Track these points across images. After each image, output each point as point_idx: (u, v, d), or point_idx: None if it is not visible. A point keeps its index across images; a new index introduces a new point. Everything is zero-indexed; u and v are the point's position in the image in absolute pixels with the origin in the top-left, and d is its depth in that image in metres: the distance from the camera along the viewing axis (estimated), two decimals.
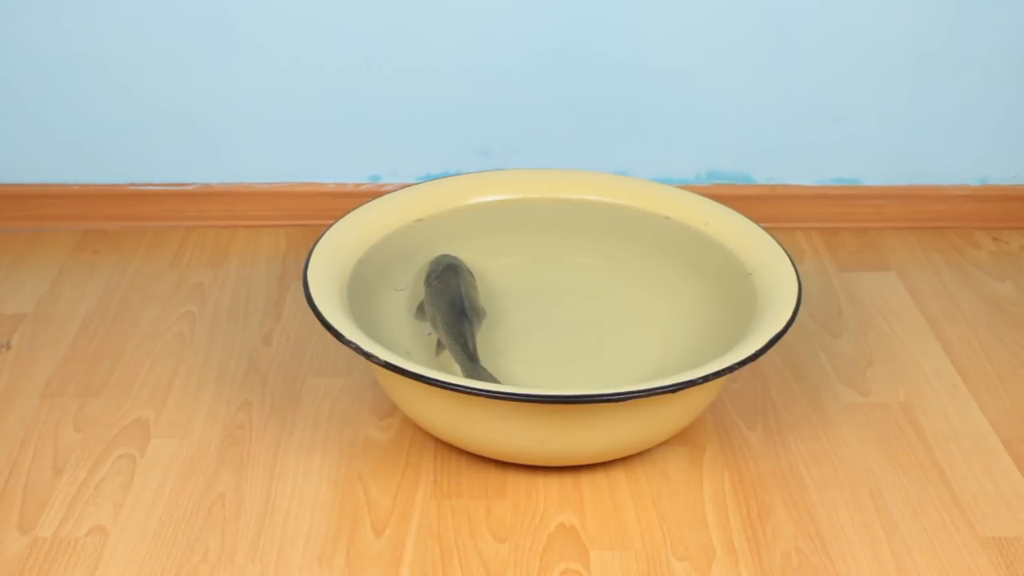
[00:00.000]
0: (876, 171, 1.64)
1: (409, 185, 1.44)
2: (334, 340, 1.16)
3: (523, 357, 1.28)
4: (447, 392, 1.09)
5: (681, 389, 1.08)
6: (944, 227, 1.66)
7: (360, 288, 1.27)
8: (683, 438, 1.23)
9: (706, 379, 1.09)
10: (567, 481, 1.17)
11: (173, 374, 1.34)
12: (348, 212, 1.35)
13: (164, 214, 1.64)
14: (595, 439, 1.13)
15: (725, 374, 1.10)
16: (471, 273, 1.35)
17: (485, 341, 1.28)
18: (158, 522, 1.12)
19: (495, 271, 1.39)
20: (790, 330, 1.17)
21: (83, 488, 1.16)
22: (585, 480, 1.18)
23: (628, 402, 1.08)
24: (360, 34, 1.54)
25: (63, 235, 1.62)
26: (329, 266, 1.26)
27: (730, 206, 1.37)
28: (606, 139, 1.61)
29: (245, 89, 1.58)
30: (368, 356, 1.11)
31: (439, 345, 1.27)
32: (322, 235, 1.30)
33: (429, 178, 1.62)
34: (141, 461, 1.20)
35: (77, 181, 1.63)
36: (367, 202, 1.38)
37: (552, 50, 1.56)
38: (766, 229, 1.32)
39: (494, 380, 1.19)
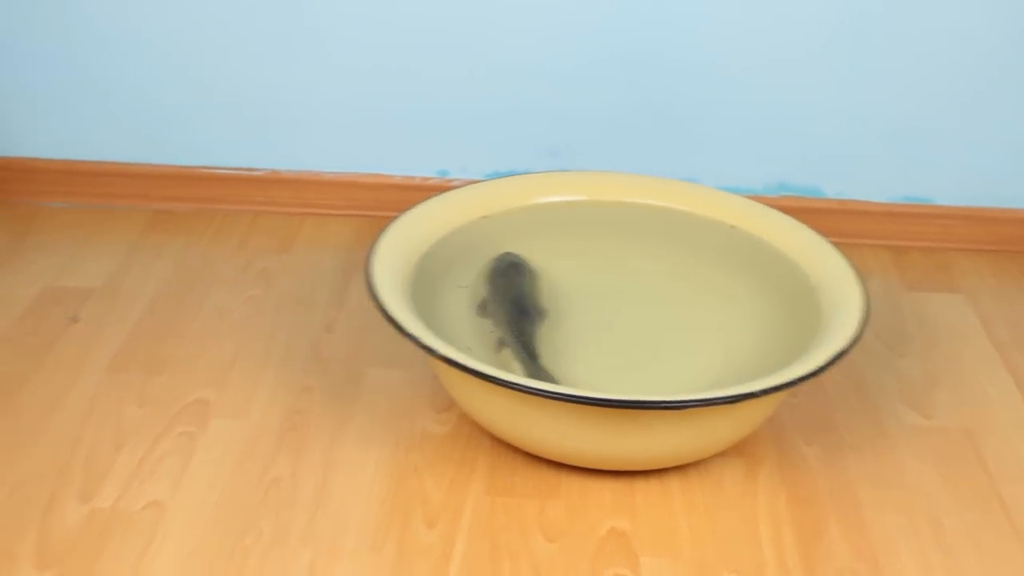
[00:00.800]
0: (948, 191, 1.62)
1: (476, 182, 1.44)
2: (396, 332, 1.16)
3: (583, 359, 1.28)
4: (505, 390, 1.09)
5: (739, 401, 1.07)
6: (1016, 251, 1.63)
7: (423, 281, 1.28)
8: (740, 450, 1.23)
9: (765, 392, 1.08)
10: (621, 486, 1.17)
11: (235, 356, 1.35)
12: (415, 205, 1.35)
13: (233, 198, 1.66)
14: (651, 446, 1.13)
15: (785, 389, 1.09)
16: (534, 272, 1.35)
17: (546, 341, 1.28)
18: (214, 501, 1.13)
19: (558, 272, 1.39)
20: (854, 348, 1.16)
21: (143, 463, 1.18)
22: (639, 486, 1.17)
23: (685, 411, 1.08)
24: (435, 31, 1.55)
25: (135, 214, 1.65)
26: (394, 258, 1.27)
27: (798, 219, 1.36)
28: (676, 145, 1.61)
29: (319, 78, 1.59)
30: (428, 350, 1.12)
31: (500, 343, 1.27)
32: (388, 227, 1.30)
33: (497, 176, 1.62)
34: (201, 440, 1.21)
35: (150, 161, 1.65)
36: (434, 196, 1.38)
37: (626, 52, 1.55)
38: (834, 244, 1.31)
39: (553, 380, 1.19)
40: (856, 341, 1.15)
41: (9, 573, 1.04)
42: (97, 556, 1.07)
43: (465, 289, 1.34)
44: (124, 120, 1.63)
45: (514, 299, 1.29)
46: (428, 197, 1.38)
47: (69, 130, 1.63)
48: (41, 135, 1.64)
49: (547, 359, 1.24)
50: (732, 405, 1.08)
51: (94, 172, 1.65)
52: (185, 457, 1.19)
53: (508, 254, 1.37)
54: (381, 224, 1.32)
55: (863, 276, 1.26)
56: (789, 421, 1.27)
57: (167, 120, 1.62)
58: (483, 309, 1.31)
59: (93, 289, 1.46)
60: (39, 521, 1.10)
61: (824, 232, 1.35)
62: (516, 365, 1.23)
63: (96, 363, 1.33)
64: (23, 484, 1.14)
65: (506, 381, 1.08)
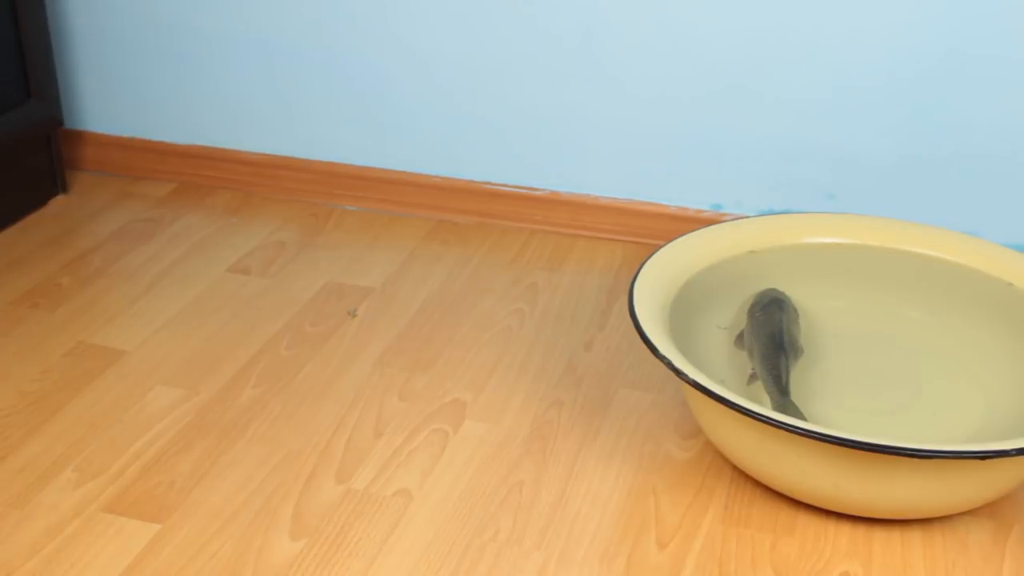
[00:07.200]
0: None
1: (748, 217, 1.45)
2: (651, 356, 1.19)
3: (835, 400, 1.27)
4: (750, 420, 1.10)
5: (989, 458, 1.04)
6: None
7: (683, 310, 1.29)
8: (991, 511, 1.18)
9: (1019, 452, 1.04)
10: (859, 531, 1.15)
11: (495, 364, 1.41)
12: (684, 234, 1.38)
13: (512, 214, 1.73)
14: (893, 493, 1.11)
15: None
16: (795, 310, 1.35)
17: (800, 380, 1.28)
18: (459, 496, 1.19)
19: (821, 312, 1.38)
20: None
21: (397, 453, 1.25)
22: (878, 533, 1.15)
23: (931, 461, 1.05)
24: (723, 66, 1.57)
25: (419, 221, 1.74)
26: (657, 283, 1.29)
27: None
28: (960, 197, 1.56)
29: (607, 106, 1.64)
30: (678, 373, 1.14)
31: (752, 375, 1.27)
32: (655, 252, 1.33)
33: (770, 213, 1.62)
34: (453, 438, 1.27)
35: (439, 173, 1.74)
36: (704, 228, 1.40)
37: (914, 101, 1.53)
38: None
39: (801, 416, 1.18)
40: None
41: (266, 538, 1.13)
42: (346, 533, 1.14)
43: (724, 331, 1.35)
44: (419, 132, 1.72)
45: (771, 334, 1.29)
46: (699, 228, 1.40)
47: (367, 138, 1.74)
48: (340, 141, 1.75)
49: (799, 396, 1.24)
50: (982, 461, 1.05)
51: (387, 179, 1.75)
52: (437, 452, 1.25)
53: (771, 290, 1.37)
54: (651, 251, 1.35)
55: None
56: None
57: (459, 135, 1.71)
58: (740, 341, 1.32)
59: (372, 288, 1.56)
60: (298, 495, 1.18)
61: None
62: (766, 398, 1.23)
63: (367, 356, 1.41)
64: (289, 459, 1.23)
65: (751, 411, 1.09)
